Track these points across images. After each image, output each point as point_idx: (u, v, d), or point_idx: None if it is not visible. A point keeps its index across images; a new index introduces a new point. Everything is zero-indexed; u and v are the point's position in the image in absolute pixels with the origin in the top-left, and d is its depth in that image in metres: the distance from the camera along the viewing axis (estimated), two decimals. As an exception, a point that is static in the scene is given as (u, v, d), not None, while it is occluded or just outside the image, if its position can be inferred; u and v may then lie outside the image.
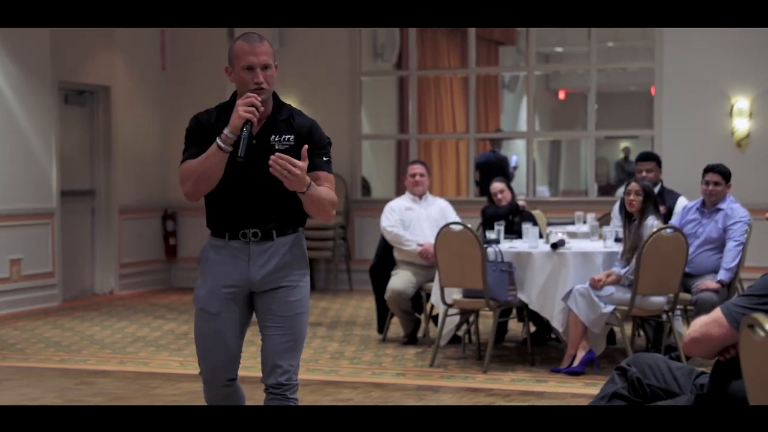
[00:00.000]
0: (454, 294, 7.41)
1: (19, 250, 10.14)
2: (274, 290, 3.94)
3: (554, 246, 7.18)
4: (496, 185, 8.41)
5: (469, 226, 7.34)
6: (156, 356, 7.85)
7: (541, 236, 7.62)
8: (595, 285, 6.91)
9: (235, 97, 3.92)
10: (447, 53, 13.66)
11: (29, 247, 10.24)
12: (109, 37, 11.15)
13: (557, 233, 7.41)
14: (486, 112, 14.29)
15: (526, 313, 7.53)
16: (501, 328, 8.12)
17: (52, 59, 10.42)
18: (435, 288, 7.60)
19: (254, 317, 4.05)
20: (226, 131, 3.79)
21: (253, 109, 3.78)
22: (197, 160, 3.85)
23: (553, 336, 8.02)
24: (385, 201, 8.78)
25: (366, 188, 12.43)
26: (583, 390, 6.46)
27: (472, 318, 7.76)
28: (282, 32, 11.99)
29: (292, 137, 3.90)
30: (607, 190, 14.47)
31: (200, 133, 3.92)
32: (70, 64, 10.74)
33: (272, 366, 3.98)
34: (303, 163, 3.74)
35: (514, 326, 8.58)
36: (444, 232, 7.31)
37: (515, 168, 13.83)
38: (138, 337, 8.63)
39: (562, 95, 17.56)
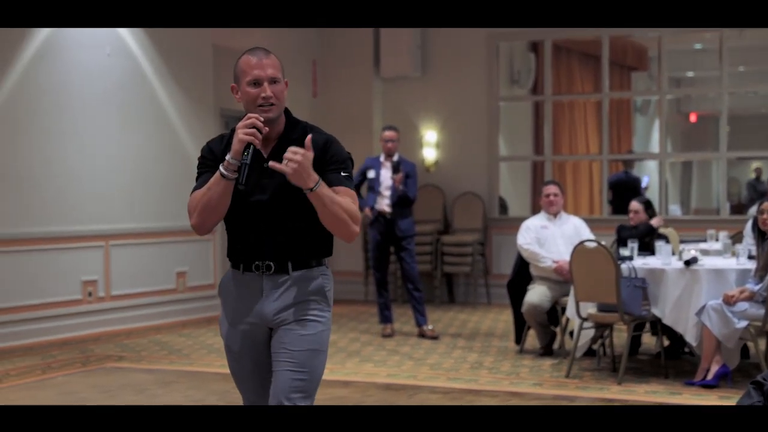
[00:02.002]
0: (589, 308, 7.27)
1: (184, 264, 10.43)
2: (286, 324, 3.37)
3: (687, 263, 6.98)
4: (634, 204, 8.23)
5: (603, 243, 7.21)
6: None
7: (673, 253, 7.43)
8: (729, 301, 6.68)
9: None
10: (580, 79, 13.49)
11: (193, 260, 10.52)
12: (266, 68, 11.39)
13: (690, 250, 7.21)
14: (618, 135, 14.03)
15: (659, 327, 7.33)
16: (635, 342, 7.92)
17: (215, 88, 10.70)
18: (570, 302, 7.48)
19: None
20: (228, 157, 3.27)
21: (254, 131, 3.27)
22: (202, 190, 3.37)
23: (686, 350, 7.78)
24: (521, 219, 8.69)
25: (503, 207, 12.35)
26: (718, 403, 6.24)
27: (606, 331, 7.60)
28: (424, 61, 12.05)
29: None
30: (738, 209, 14.02)
31: (211, 161, 3.44)
32: (231, 92, 11.00)
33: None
34: (308, 153, 3.20)
35: (648, 340, 8.36)
36: (579, 249, 7.20)
37: (646, 188, 13.54)
38: (291, 345, 8.73)
39: (693, 118, 17.14)
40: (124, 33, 9.79)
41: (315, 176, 3.21)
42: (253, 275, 3.40)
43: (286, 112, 3.47)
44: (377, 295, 9.34)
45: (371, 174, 9.18)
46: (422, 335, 9.09)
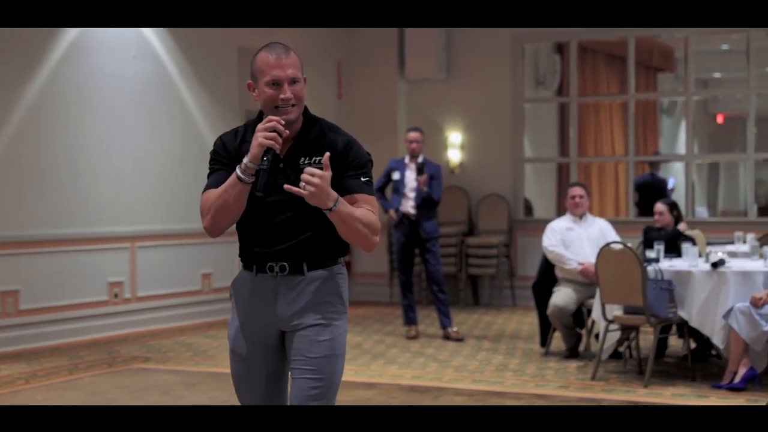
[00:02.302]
0: (615, 310, 7.24)
1: (209, 265, 10.46)
2: (302, 329, 3.27)
3: (714, 265, 6.93)
4: (659, 206, 8.19)
5: (629, 245, 7.17)
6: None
7: (700, 255, 7.38)
8: (756, 303, 6.63)
9: (262, 116, 3.27)
10: (606, 80, 13.42)
11: (218, 262, 10.55)
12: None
13: (717, 253, 7.16)
14: (644, 136, 13.94)
15: (686, 329, 7.29)
16: (661, 344, 7.88)
17: (240, 89, 10.73)
18: (596, 304, 7.44)
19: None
20: (245, 160, 3.12)
21: (275, 135, 3.11)
22: (217, 191, 3.22)
23: (714, 352, 7.73)
24: (546, 221, 8.67)
25: (528, 209, 12.32)
26: (746, 406, 6.19)
27: (632, 334, 7.56)
28: (449, 62, 12.04)
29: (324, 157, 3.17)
30: (765, 210, 13.90)
31: (225, 158, 3.29)
32: (247, 89, 11.03)
33: None
34: (326, 173, 3.06)
35: (675, 342, 8.31)
36: (605, 251, 7.17)
37: (672, 190, 13.46)
38: (316, 347, 8.74)
39: (720, 119, 17.01)
40: (150, 35, 9.85)
41: (334, 195, 3.09)
42: (267, 277, 3.28)
43: (304, 110, 3.31)
44: (402, 296, 9.34)
45: (396, 176, 9.18)
46: (447, 337, 9.08)
